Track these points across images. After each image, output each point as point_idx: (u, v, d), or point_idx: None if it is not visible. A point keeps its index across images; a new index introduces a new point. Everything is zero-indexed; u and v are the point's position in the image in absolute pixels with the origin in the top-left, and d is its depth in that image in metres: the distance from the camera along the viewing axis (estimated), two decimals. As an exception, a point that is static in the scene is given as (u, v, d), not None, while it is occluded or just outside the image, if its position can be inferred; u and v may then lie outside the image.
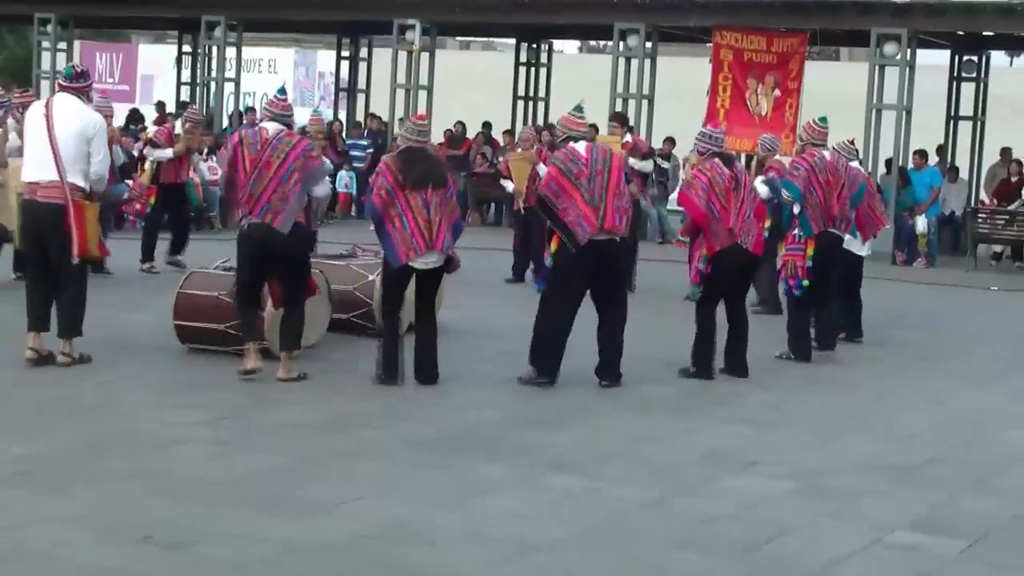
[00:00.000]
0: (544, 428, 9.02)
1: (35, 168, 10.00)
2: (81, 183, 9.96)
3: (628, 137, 16.68)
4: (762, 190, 12.47)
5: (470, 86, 30.39)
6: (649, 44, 23.73)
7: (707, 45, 24.66)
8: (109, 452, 7.80)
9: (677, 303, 15.02)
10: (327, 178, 10.38)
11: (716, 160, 11.08)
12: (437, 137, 27.00)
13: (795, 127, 22.28)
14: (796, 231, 12.05)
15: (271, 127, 10.08)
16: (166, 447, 7.98)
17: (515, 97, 29.06)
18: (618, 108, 23.56)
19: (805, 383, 11.17)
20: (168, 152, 16.16)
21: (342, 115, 30.43)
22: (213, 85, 28.18)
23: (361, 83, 30.79)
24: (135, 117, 28.43)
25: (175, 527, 6.43)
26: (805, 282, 11.92)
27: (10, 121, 13.40)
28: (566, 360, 10.38)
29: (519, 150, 17.31)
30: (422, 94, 25.54)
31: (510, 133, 26.65)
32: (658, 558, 6.43)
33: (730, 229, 10.89)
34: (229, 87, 27.88)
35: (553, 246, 10.39)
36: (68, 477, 7.21)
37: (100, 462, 7.56)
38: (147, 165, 16.53)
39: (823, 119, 12.34)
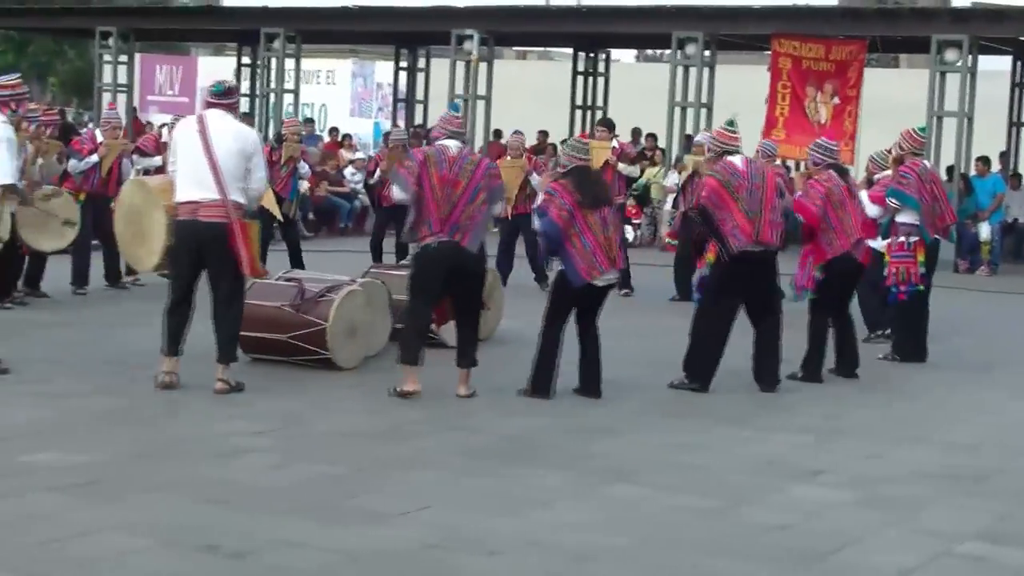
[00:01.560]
0: (601, 437, 9.00)
1: (194, 187, 9.61)
2: (242, 201, 9.72)
3: (615, 143, 16.92)
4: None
5: (527, 96, 30.34)
6: (707, 52, 23.67)
7: (765, 53, 24.57)
8: (170, 461, 7.85)
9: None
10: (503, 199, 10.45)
11: (831, 172, 11.42)
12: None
13: (854, 135, 22.19)
14: (902, 238, 12.28)
15: (453, 145, 10.00)
16: (227, 456, 8.03)
17: (573, 106, 29.06)
18: (676, 117, 23.57)
19: (862, 392, 11.09)
20: (156, 160, 15.71)
21: (400, 126, 30.49)
22: (272, 97, 28.36)
23: (419, 94, 30.89)
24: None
25: (236, 536, 6.46)
26: (920, 287, 12.30)
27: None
28: (619, 370, 10.37)
29: (508, 158, 17.30)
30: (480, 104, 25.59)
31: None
32: (720, 568, 6.39)
33: (844, 238, 11.25)
34: (288, 98, 28.04)
35: (710, 256, 10.72)
36: (130, 486, 7.26)
37: (162, 471, 7.61)
38: (133, 173, 15.65)
39: (922, 129, 12.77)
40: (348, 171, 25.88)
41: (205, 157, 9.57)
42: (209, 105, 9.91)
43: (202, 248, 9.67)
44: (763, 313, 10.82)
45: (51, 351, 10.97)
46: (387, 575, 6.10)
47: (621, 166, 16.48)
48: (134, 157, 15.83)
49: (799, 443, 9.10)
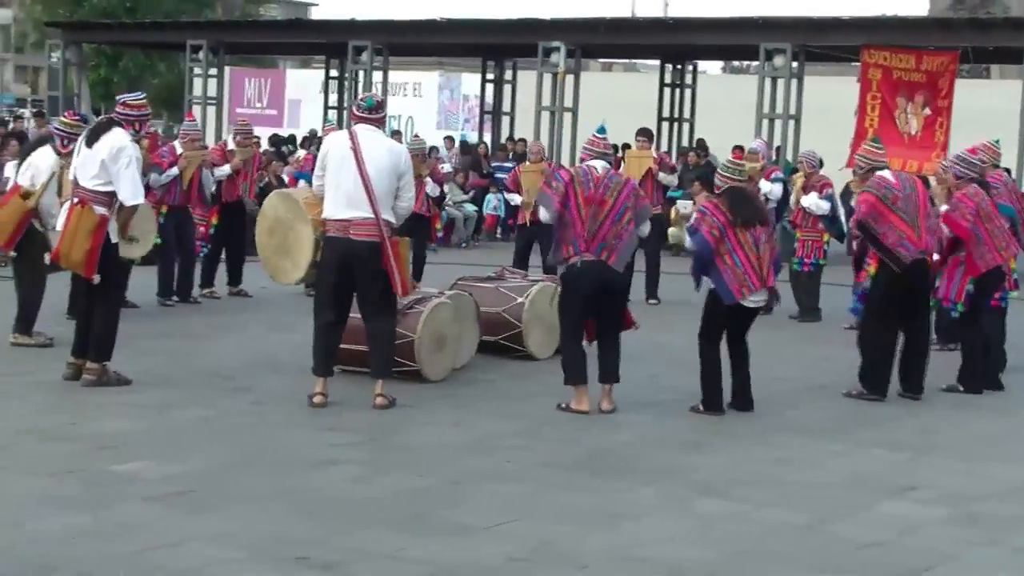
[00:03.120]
0: (691, 451, 8.95)
1: (345, 205, 9.51)
2: (391, 219, 9.67)
3: (655, 152, 17.12)
4: (823, 205, 12.44)
5: (614, 108, 30.23)
6: (795, 64, 23.52)
7: (854, 64, 24.36)
8: (259, 472, 7.90)
9: (823, 326, 14.79)
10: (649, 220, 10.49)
11: (976, 186, 11.47)
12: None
13: (946, 146, 21.91)
14: None
15: (599, 165, 10.07)
16: (314, 467, 8.06)
17: (659, 119, 28.96)
18: (764, 129, 23.40)
19: (955, 408, 10.92)
20: (226, 169, 15.51)
21: (487, 138, 30.58)
22: (360, 109, 28.49)
23: (506, 106, 30.94)
24: (280, 143, 28.86)
25: (326, 547, 6.48)
26: (1014, 293, 12.38)
27: None
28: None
29: (527, 163, 17.15)
30: (567, 116, 25.57)
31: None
32: (811, 584, 6.34)
33: (996, 252, 11.39)
34: (376, 111, 28.12)
35: (872, 268, 10.86)
36: (221, 496, 7.31)
37: (250, 481, 7.66)
38: (212, 184, 15.46)
39: (997, 142, 12.87)
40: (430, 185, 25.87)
41: (358, 175, 9.49)
42: (358, 120, 9.77)
43: (355, 266, 9.61)
44: (914, 318, 10.90)
45: (142, 362, 11.05)
46: (476, 588, 6.10)
47: (661, 175, 16.96)
48: (213, 169, 15.44)
49: (892, 458, 8.98)
